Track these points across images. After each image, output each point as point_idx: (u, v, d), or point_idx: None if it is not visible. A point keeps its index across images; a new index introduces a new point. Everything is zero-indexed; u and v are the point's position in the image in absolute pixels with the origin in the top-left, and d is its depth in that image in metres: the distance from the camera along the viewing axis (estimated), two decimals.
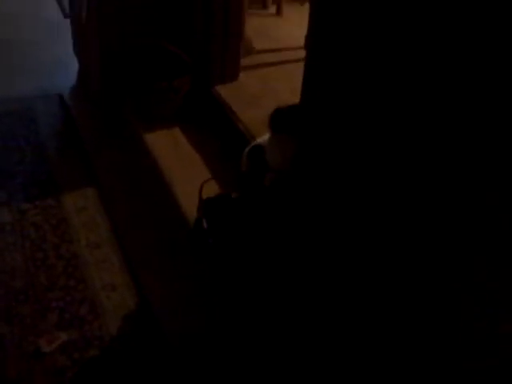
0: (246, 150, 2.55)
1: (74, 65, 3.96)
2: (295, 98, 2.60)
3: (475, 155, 1.16)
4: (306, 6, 4.09)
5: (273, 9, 4.27)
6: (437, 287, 1.34)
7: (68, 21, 4.24)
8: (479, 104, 1.13)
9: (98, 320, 2.28)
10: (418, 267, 1.37)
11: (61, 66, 4.01)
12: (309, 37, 1.67)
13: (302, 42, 3.75)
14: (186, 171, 2.79)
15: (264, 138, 2.50)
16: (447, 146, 1.22)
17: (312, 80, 1.69)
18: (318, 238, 1.75)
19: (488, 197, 1.17)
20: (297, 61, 3.55)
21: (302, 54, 3.62)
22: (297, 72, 3.38)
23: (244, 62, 3.27)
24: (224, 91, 3.08)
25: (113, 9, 3.10)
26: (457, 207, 1.23)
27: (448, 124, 1.21)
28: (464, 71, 1.15)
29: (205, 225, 2.12)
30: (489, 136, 1.13)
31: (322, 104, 1.66)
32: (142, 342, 2.21)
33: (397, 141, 1.35)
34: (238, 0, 2.98)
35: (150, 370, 2.12)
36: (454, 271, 1.29)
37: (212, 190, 2.49)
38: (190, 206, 2.53)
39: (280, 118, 2.40)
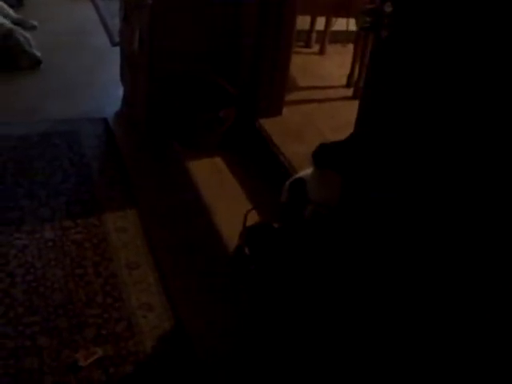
0: (288, 182, 2.61)
1: (119, 91, 4.08)
2: (336, 135, 2.67)
3: None
4: (348, 47, 4.19)
5: (316, 48, 4.39)
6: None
7: (115, 49, 4.40)
8: None
9: (133, 338, 2.32)
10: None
11: (106, 91, 4.14)
12: (366, 78, 1.72)
13: (343, 80, 3.86)
14: (226, 199, 2.85)
15: (306, 172, 2.56)
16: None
17: (366, 121, 1.74)
18: (361, 272, 1.78)
19: None
20: (338, 99, 3.65)
21: (344, 92, 3.76)
22: (338, 110, 3.51)
23: (288, 97, 3.35)
24: (268, 125, 3.15)
25: (164, 42, 3.21)
26: None
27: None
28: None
29: (247, 251, 2.17)
30: None
31: (375, 144, 1.70)
32: (175, 363, 2.24)
33: (454, 180, 1.39)
34: (288, 39, 3.08)
35: None
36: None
37: (252, 218, 2.53)
38: (229, 232, 2.58)
39: (324, 154, 2.46)
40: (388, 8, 1.51)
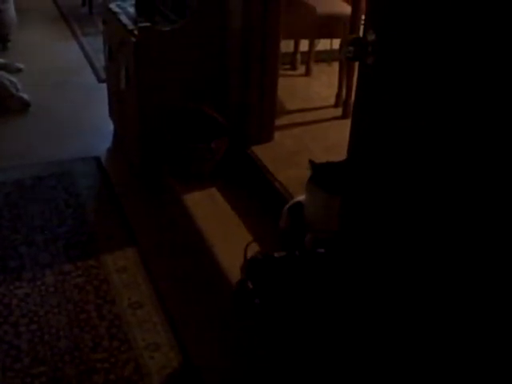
0: (287, 206, 2.60)
1: (108, 128, 4.08)
2: (329, 156, 2.67)
3: None
4: (334, 66, 4.21)
5: (301, 69, 4.40)
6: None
7: (102, 85, 4.41)
8: None
9: (142, 380, 2.29)
10: None
11: (97, 129, 4.14)
12: (355, 104, 1.73)
13: (331, 101, 3.86)
14: (224, 230, 2.84)
15: (304, 196, 2.55)
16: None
17: (358, 144, 1.74)
18: (369, 299, 1.77)
19: None
20: (328, 120, 3.66)
21: (333, 112, 3.76)
22: (329, 131, 3.52)
23: (278, 122, 3.36)
24: (260, 152, 3.15)
25: (151, 77, 3.22)
26: None
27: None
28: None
29: (250, 285, 2.15)
30: None
31: (369, 168, 1.70)
32: None
33: (456, 200, 1.39)
34: (273, 64, 3.09)
35: None
36: None
37: (251, 248, 2.51)
38: (230, 265, 2.56)
39: (317, 177, 2.45)
40: (371, 36, 1.52)
